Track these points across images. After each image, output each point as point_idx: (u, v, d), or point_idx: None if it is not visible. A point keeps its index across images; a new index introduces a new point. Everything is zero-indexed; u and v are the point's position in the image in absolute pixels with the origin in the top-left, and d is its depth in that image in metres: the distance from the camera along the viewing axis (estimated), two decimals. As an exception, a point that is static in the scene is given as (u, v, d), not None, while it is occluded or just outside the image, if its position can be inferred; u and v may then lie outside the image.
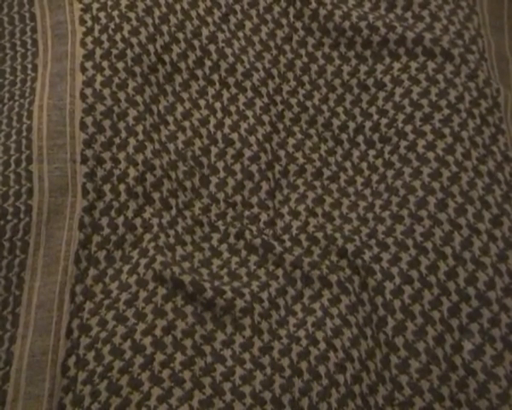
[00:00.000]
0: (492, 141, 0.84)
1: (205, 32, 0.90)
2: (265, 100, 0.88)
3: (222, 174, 0.84)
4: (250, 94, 0.88)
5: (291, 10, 0.93)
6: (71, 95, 0.83)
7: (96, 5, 0.88)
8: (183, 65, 0.88)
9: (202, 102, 0.87)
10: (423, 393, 0.71)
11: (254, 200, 0.83)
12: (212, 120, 0.86)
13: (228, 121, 0.86)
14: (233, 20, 0.92)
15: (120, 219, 0.78)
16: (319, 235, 0.80)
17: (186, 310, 0.73)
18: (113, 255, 0.77)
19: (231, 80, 0.88)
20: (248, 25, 0.92)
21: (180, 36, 0.88)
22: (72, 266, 0.75)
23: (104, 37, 0.86)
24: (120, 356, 0.71)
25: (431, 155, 0.82)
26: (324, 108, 0.88)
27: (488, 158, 0.82)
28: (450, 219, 0.78)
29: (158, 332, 0.72)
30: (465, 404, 0.71)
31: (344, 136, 0.87)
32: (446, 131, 0.83)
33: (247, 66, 0.89)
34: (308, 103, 0.89)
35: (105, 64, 0.84)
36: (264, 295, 0.75)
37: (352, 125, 0.87)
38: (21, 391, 0.71)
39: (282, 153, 0.86)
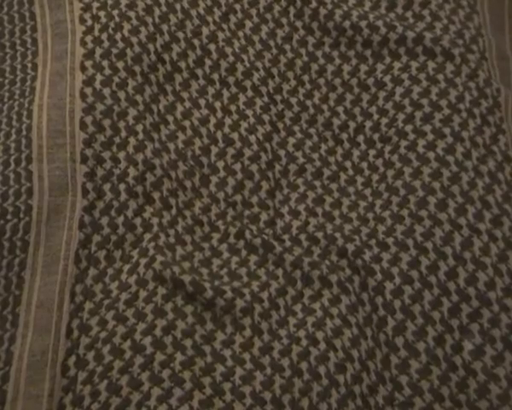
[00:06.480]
0: (493, 141, 0.84)
1: (205, 31, 0.89)
2: (265, 99, 0.88)
3: (222, 174, 0.83)
4: (250, 93, 0.87)
5: (291, 9, 0.93)
6: (71, 94, 0.83)
7: (96, 4, 0.88)
8: (183, 64, 0.88)
9: (202, 102, 0.87)
10: (423, 393, 0.71)
11: (254, 199, 0.83)
12: (213, 120, 0.86)
13: (228, 121, 0.86)
14: (233, 19, 0.92)
15: (120, 219, 0.78)
16: (319, 235, 0.80)
17: (186, 310, 0.73)
18: (113, 255, 0.77)
19: (231, 79, 0.88)
20: (248, 24, 0.92)
21: (180, 35, 0.88)
22: (72, 266, 0.75)
23: (104, 36, 0.86)
24: (120, 356, 0.71)
25: (431, 154, 0.82)
26: (324, 107, 0.88)
27: (489, 158, 0.82)
28: (451, 219, 0.78)
29: (158, 332, 0.71)
30: (465, 404, 0.71)
31: (344, 135, 0.87)
32: (447, 130, 0.83)
33: (248, 65, 0.89)
34: (308, 103, 0.89)
35: (105, 63, 0.84)
36: (265, 295, 0.75)
37: (352, 124, 0.87)
38: (21, 391, 0.71)
39: (282, 152, 0.86)
